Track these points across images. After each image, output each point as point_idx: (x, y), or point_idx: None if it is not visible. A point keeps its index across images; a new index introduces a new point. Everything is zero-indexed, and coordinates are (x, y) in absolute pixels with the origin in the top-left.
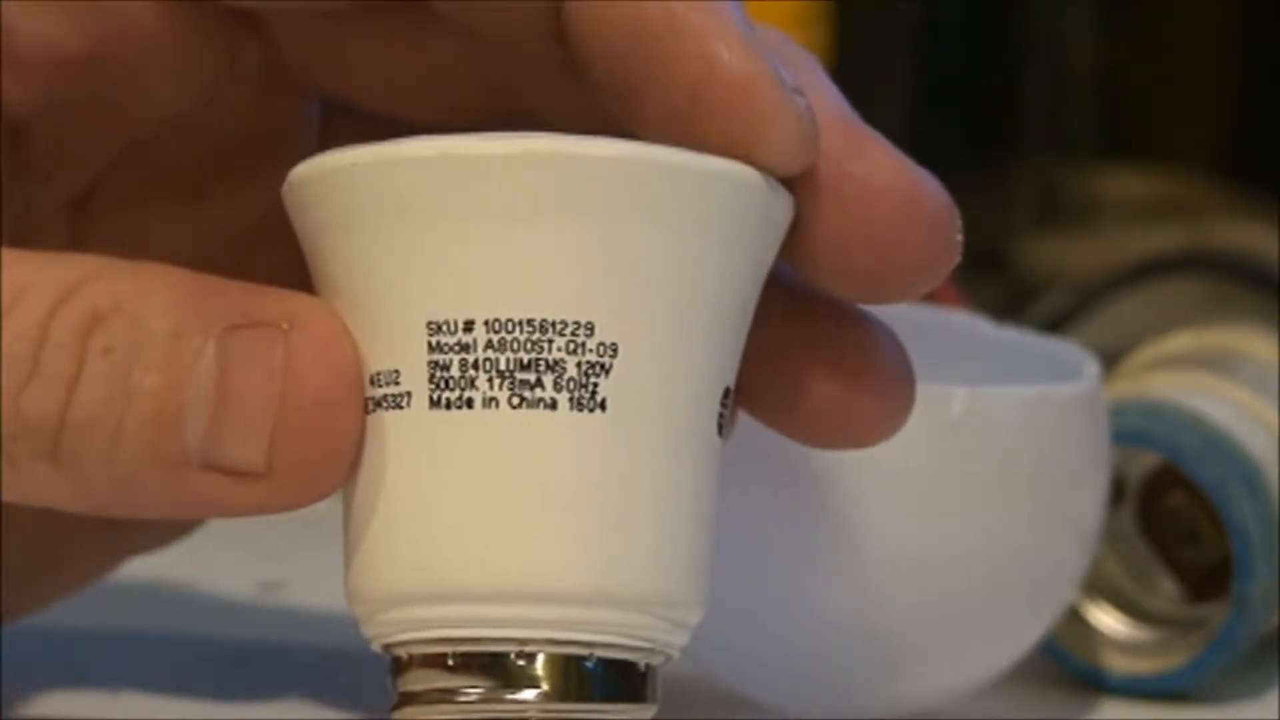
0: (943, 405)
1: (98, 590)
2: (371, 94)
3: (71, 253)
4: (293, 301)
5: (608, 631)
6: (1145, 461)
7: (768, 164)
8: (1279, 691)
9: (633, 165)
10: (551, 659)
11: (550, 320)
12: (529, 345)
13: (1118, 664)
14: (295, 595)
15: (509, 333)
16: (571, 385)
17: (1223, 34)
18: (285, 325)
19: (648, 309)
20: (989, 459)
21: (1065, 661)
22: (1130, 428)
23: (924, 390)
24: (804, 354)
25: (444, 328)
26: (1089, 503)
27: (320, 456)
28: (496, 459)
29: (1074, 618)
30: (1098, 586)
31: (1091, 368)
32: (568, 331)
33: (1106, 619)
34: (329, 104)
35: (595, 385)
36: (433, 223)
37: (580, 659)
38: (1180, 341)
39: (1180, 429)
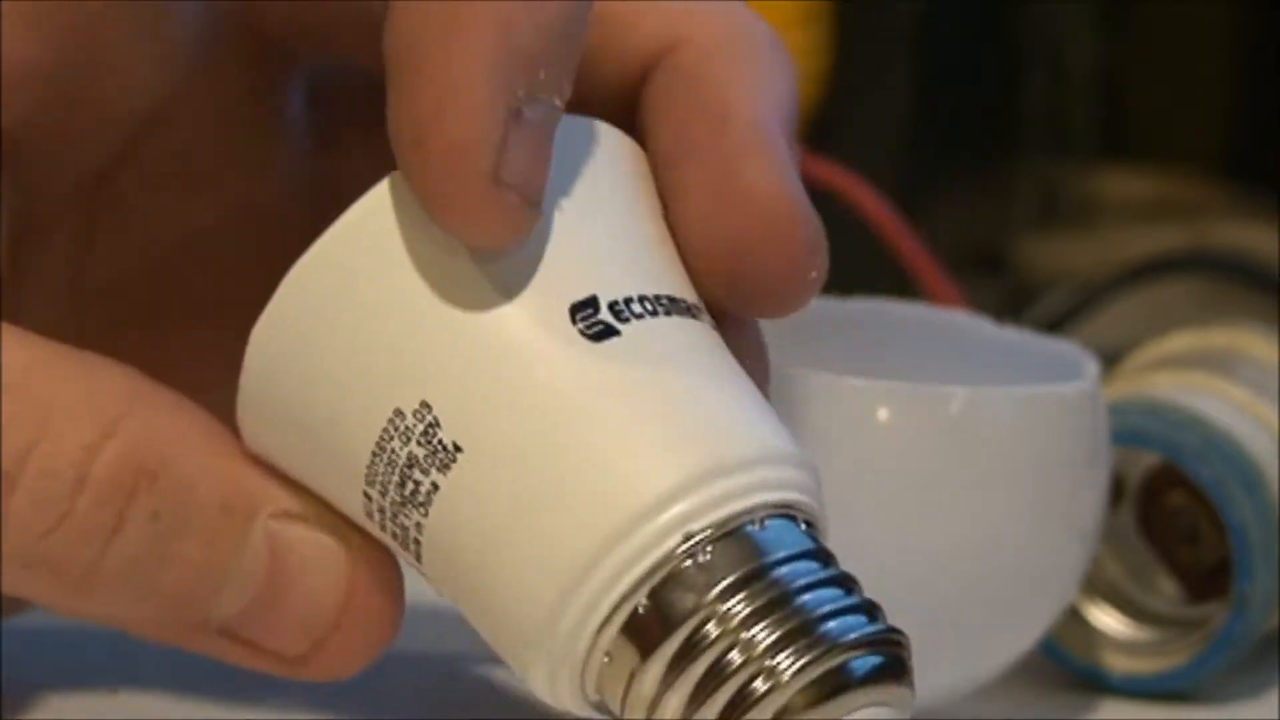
0: (942, 405)
1: None
2: (355, 47)
3: (92, 357)
4: (331, 513)
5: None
6: (1145, 461)
7: (781, 306)
8: (1279, 691)
9: None
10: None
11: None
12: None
13: (1118, 664)
14: None
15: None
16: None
17: (1223, 34)
18: (343, 534)
19: None
20: (988, 459)
21: (1065, 661)
22: (1130, 428)
23: (924, 390)
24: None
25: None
26: (1089, 502)
27: (360, 656)
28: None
29: (1074, 618)
30: (1098, 586)
31: (1091, 368)
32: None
33: (1106, 619)
34: (315, 71)
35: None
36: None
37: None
38: (1180, 341)
39: (1180, 429)
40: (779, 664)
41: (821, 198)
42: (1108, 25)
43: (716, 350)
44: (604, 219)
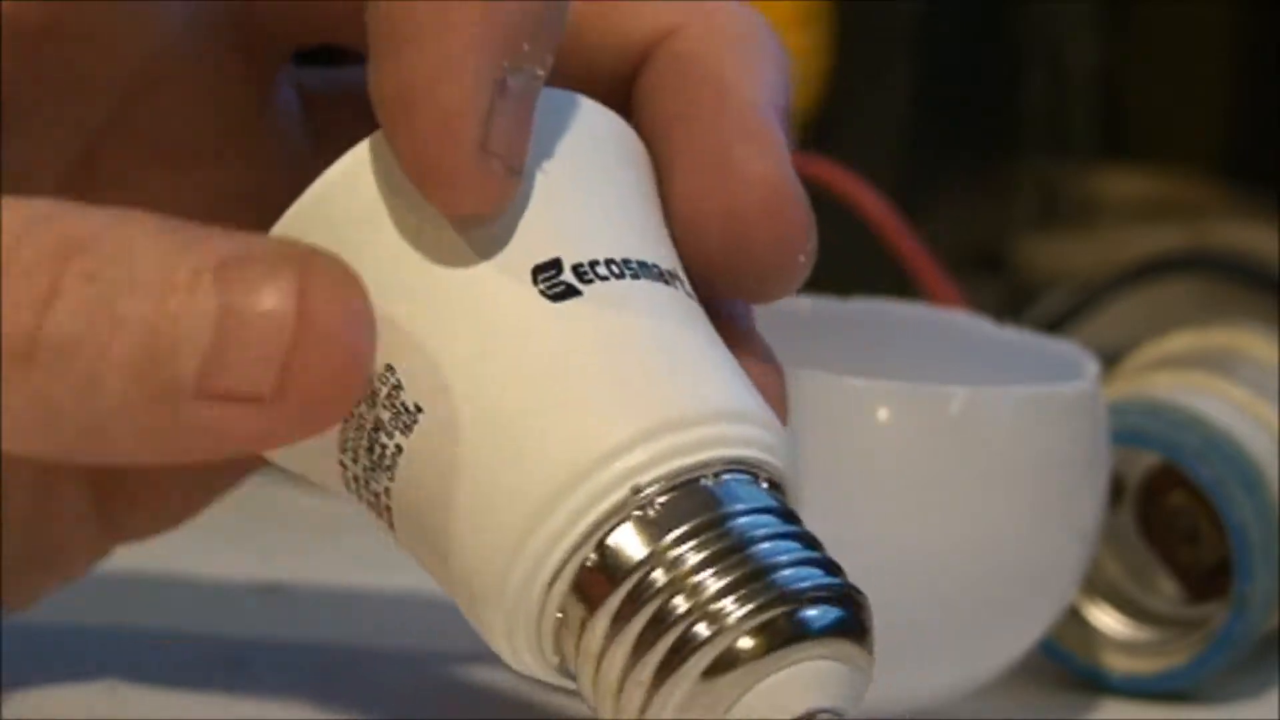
0: (942, 405)
1: (97, 589)
2: (347, 37)
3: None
4: (284, 244)
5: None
6: (1145, 461)
7: (769, 288)
8: (1279, 691)
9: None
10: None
11: (637, 258)
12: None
13: (1118, 664)
14: (295, 595)
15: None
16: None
17: (1223, 34)
18: (296, 257)
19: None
20: (988, 459)
21: (1066, 661)
22: (1130, 428)
23: (924, 390)
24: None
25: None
26: (1089, 502)
27: (332, 387)
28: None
29: (1074, 618)
30: (1098, 586)
31: (1091, 368)
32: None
33: (1106, 619)
34: (303, 55)
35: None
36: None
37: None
38: (1180, 341)
39: (1180, 429)
40: (724, 608)
41: (821, 198)
42: (1108, 25)
43: (687, 315)
44: (576, 186)
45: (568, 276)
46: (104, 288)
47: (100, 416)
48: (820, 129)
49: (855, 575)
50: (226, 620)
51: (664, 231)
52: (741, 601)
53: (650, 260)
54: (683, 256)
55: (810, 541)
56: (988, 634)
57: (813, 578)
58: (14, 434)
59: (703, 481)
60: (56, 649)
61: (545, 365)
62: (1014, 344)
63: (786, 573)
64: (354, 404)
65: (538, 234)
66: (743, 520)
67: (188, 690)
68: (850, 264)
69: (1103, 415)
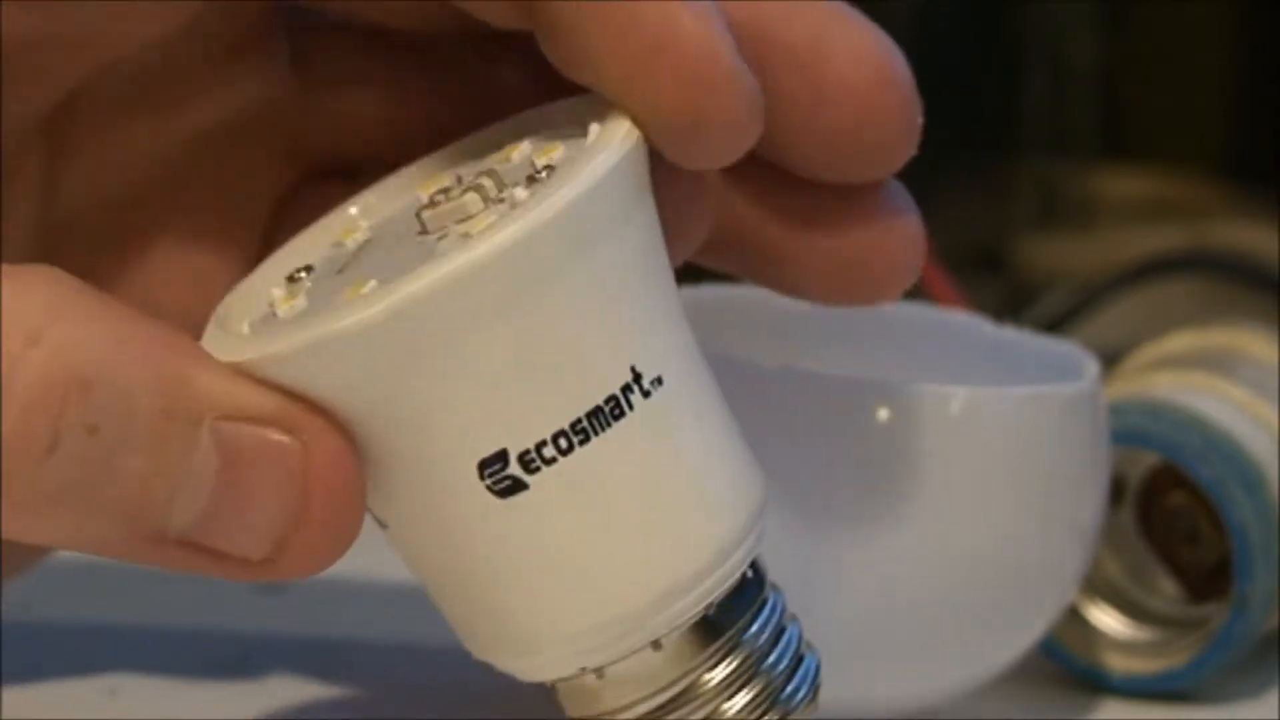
0: (943, 405)
1: (97, 589)
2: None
3: (11, 268)
4: (285, 405)
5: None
6: (1145, 461)
7: (713, 136)
8: (1279, 691)
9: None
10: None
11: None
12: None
13: (1118, 664)
14: (295, 595)
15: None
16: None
17: (1223, 34)
18: (291, 430)
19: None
20: (988, 459)
21: (1066, 661)
22: (1130, 428)
23: (924, 390)
24: (810, 207)
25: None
26: (1089, 502)
27: (327, 553)
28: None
29: (1074, 618)
30: (1098, 586)
31: (1091, 368)
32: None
33: (1106, 619)
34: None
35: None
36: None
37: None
38: (1180, 341)
39: (1180, 429)
40: None
41: None
42: (1108, 25)
43: (651, 443)
44: (539, 337)
45: (513, 469)
46: (104, 440)
47: (91, 544)
48: None
49: (854, 575)
50: (227, 619)
51: (657, 278)
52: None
53: (619, 382)
54: (781, 147)
55: (786, 626)
56: (988, 634)
57: (802, 685)
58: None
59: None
60: (56, 649)
61: (497, 566)
62: (1014, 344)
63: (787, 690)
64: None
65: (483, 421)
66: (747, 634)
67: (188, 690)
68: None
69: (1103, 415)
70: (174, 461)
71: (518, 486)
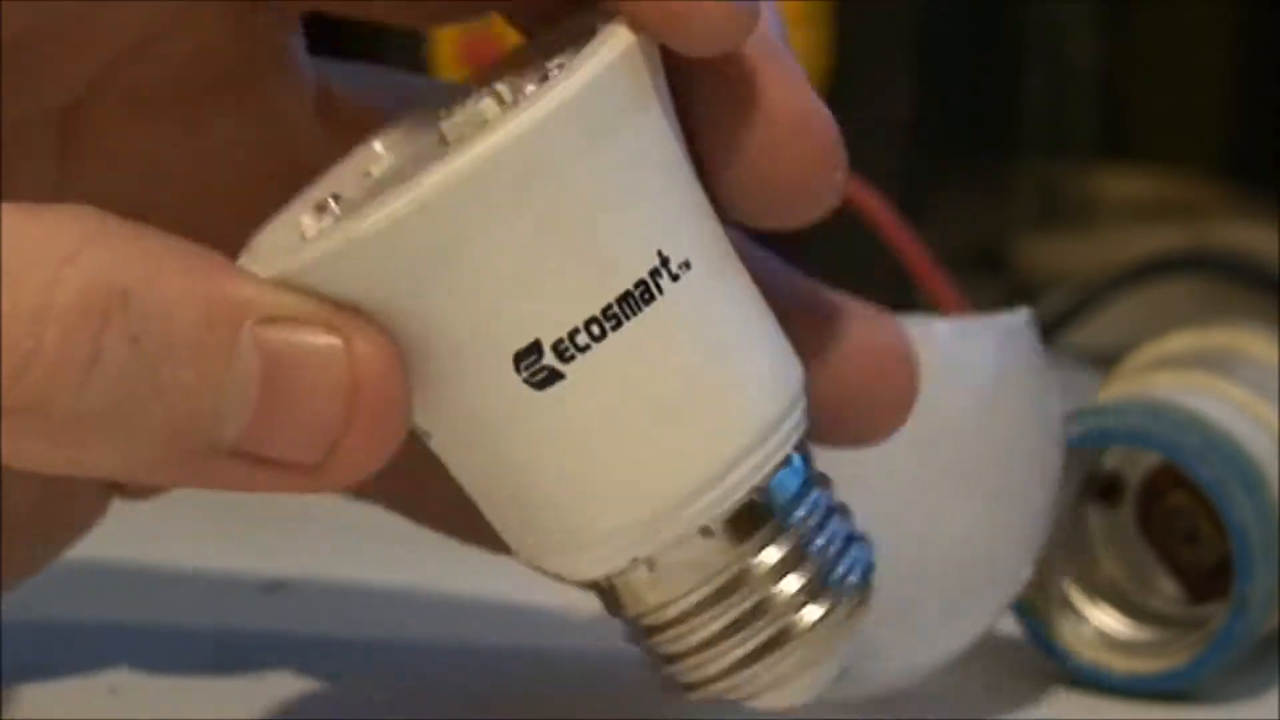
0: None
1: (97, 589)
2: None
3: (45, 205)
4: (322, 307)
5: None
6: (1145, 461)
7: (703, 34)
8: (1279, 691)
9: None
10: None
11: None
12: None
13: (1118, 664)
14: (295, 595)
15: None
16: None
17: (1223, 34)
18: (332, 330)
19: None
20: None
21: (1065, 661)
22: (1130, 428)
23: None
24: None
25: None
26: (1035, 479)
27: (376, 455)
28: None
29: (1074, 617)
30: (1098, 586)
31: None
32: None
33: (1106, 619)
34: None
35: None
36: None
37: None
38: (1180, 341)
39: (1181, 429)
40: (801, 612)
41: None
42: (1108, 25)
43: (688, 319)
44: (572, 212)
45: (549, 360)
46: (146, 352)
47: (142, 468)
48: None
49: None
50: (228, 619)
51: (677, 171)
52: (814, 601)
53: (646, 266)
54: (708, 185)
55: (837, 509)
56: (938, 612)
57: (854, 569)
58: (52, 469)
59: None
60: (56, 649)
61: (539, 460)
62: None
63: (838, 572)
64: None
65: (515, 312)
66: (794, 517)
67: (188, 690)
68: (850, 264)
69: (1048, 387)
70: (218, 369)
71: (554, 377)
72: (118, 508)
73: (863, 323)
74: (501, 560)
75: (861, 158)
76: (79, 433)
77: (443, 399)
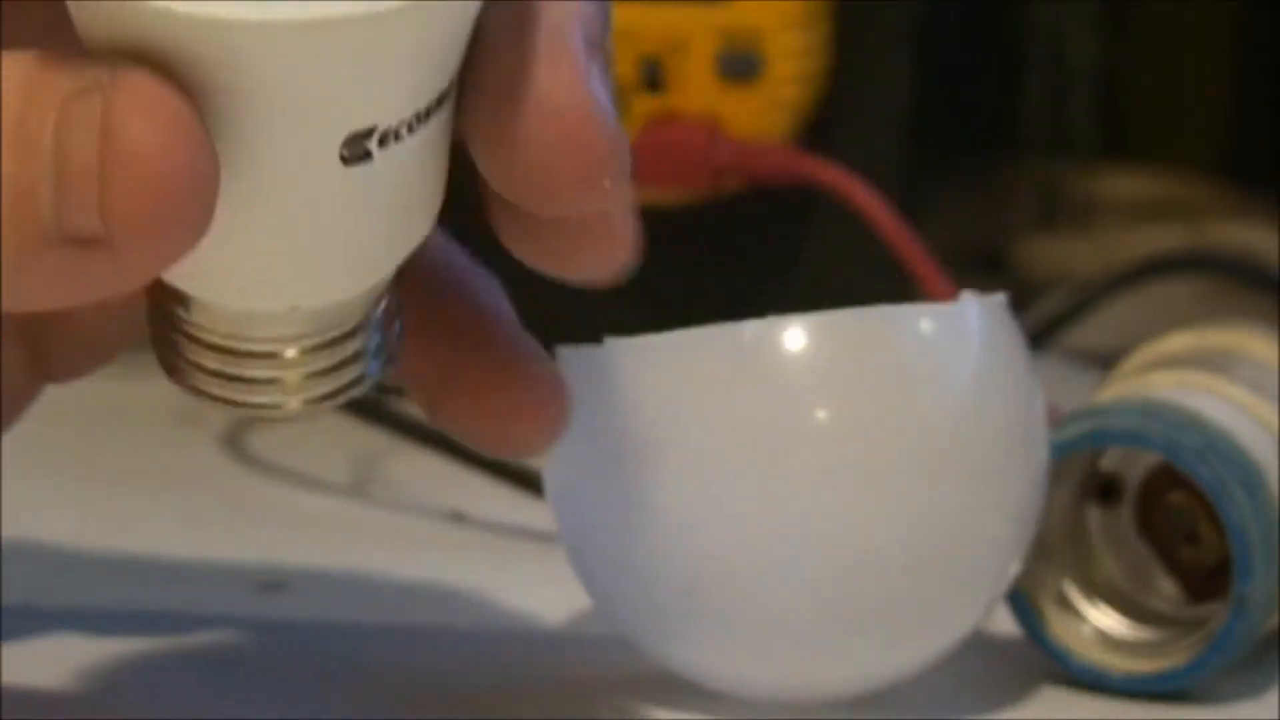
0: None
1: (97, 590)
2: None
3: None
4: (117, 62)
5: None
6: (1145, 462)
7: (587, 201)
8: (1279, 691)
9: None
10: None
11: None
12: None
13: (1118, 664)
14: (295, 595)
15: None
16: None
17: (1223, 34)
18: (106, 82)
19: None
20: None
21: (1064, 661)
22: (1129, 428)
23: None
24: (455, 382)
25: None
26: (1021, 472)
27: (151, 211)
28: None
29: (1074, 617)
30: (1097, 586)
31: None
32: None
33: (1106, 619)
34: None
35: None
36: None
37: None
38: (1180, 341)
39: (1180, 429)
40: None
41: (821, 198)
42: (1108, 25)
43: (438, 144)
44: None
45: (371, 144)
46: None
47: None
48: (820, 129)
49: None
50: (228, 619)
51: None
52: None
53: (444, 85)
54: (479, 164)
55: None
56: (919, 610)
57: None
58: None
59: None
60: (56, 648)
61: (308, 220)
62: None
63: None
64: (196, 236)
65: (368, 94)
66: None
67: (188, 690)
68: (850, 264)
69: (1030, 381)
70: (31, 152)
71: (365, 157)
72: (115, 506)
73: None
74: (501, 560)
75: (861, 157)
76: None
77: (255, 154)
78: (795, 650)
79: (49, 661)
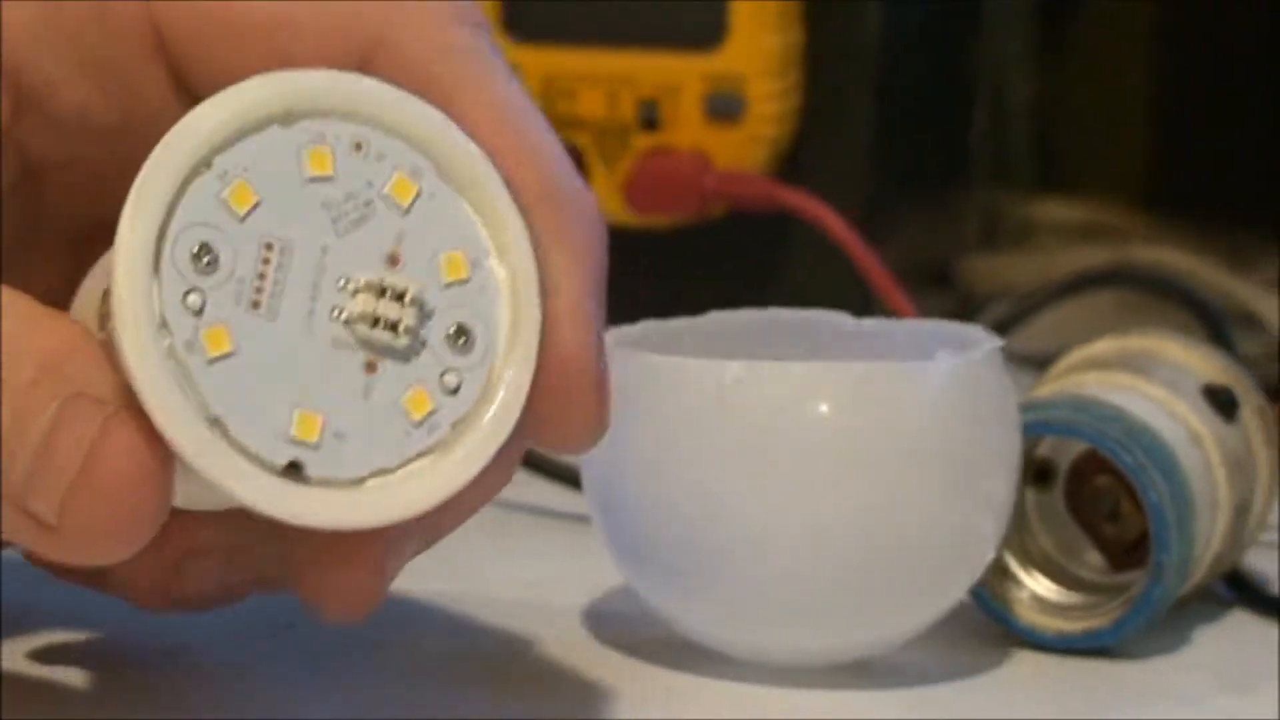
0: (853, 381)
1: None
2: None
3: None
4: (128, 393)
5: None
6: (1075, 449)
7: (568, 440)
8: (1190, 647)
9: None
10: None
11: None
12: None
13: (1051, 624)
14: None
15: None
16: None
17: (1144, 79)
18: (111, 407)
19: None
20: (894, 431)
21: (1006, 621)
22: (1062, 420)
23: (851, 370)
24: None
25: None
26: (997, 471)
27: (105, 529)
28: None
29: (1014, 584)
30: (1033, 558)
31: (991, 342)
32: None
33: (1041, 586)
34: None
35: None
36: None
37: None
38: (1105, 346)
39: (1105, 421)
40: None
41: (795, 221)
42: (1041, 64)
43: None
44: None
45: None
46: None
47: None
48: (793, 161)
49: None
50: (228, 619)
51: None
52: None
53: None
54: None
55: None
56: (903, 596)
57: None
58: None
59: None
60: (56, 648)
61: None
62: (884, 330)
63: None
64: (136, 550)
65: None
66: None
67: (187, 690)
68: (819, 278)
69: (1008, 392)
70: (25, 422)
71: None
72: None
73: (556, 329)
74: (501, 564)
75: (830, 186)
76: None
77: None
78: (800, 620)
79: (48, 661)
